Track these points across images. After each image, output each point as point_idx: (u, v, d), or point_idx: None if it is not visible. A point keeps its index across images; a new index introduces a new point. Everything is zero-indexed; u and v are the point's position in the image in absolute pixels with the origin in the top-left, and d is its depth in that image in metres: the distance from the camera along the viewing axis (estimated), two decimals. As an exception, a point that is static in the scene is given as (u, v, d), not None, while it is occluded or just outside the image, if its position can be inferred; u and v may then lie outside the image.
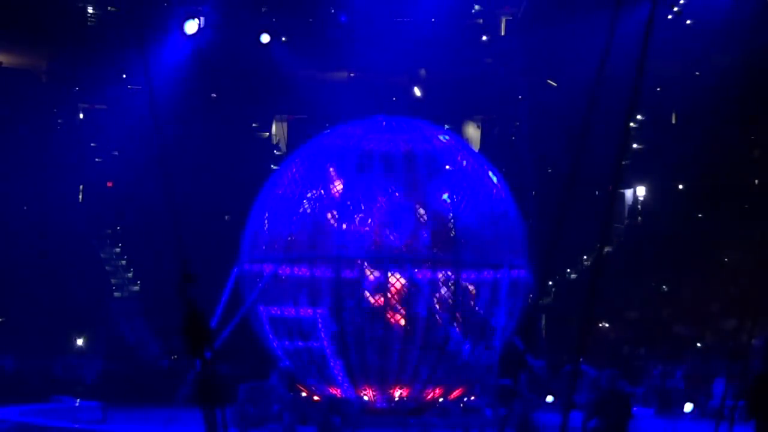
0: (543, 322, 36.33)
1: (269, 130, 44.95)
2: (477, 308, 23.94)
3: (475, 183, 24.17)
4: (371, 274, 23.47)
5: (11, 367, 32.92)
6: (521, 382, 23.74)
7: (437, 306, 23.48)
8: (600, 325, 34.79)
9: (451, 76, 41.89)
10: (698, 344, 35.43)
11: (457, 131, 38.80)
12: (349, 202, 23.77)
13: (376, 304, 23.42)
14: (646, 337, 35.68)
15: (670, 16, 39.61)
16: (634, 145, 40.95)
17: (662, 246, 36.63)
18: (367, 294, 23.43)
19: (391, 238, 23.53)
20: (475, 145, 41.23)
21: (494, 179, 24.73)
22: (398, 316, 23.55)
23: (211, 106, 41.66)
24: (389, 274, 23.35)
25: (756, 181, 38.44)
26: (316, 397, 24.26)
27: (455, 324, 23.60)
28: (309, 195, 24.00)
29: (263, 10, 42.05)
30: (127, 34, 35.58)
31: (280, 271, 23.84)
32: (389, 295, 23.34)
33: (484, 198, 24.12)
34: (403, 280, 23.30)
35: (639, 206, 41.68)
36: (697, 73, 40.10)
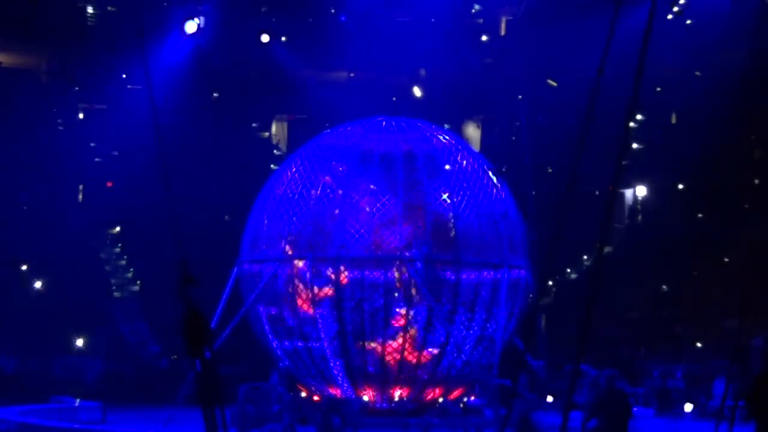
0: (543, 322, 36.33)
1: (269, 130, 44.96)
2: (477, 308, 23.92)
3: (475, 183, 24.17)
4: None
5: (11, 367, 32.93)
6: (521, 382, 23.74)
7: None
8: (600, 325, 34.77)
9: (451, 76, 41.89)
10: (698, 344, 35.45)
11: (457, 131, 38.80)
12: (349, 203, 23.76)
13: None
14: (646, 337, 35.69)
15: (670, 16, 39.66)
16: (634, 145, 40.95)
17: (662, 246, 36.64)
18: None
19: (391, 238, 23.51)
20: (475, 145, 41.23)
21: (494, 179, 24.73)
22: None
23: (211, 105, 41.68)
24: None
25: (756, 181, 38.45)
26: (316, 397, 24.25)
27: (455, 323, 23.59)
28: (309, 195, 23.98)
29: (263, 10, 42.08)
30: (127, 34, 35.59)
31: (280, 271, 23.83)
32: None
33: (484, 198, 24.12)
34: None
35: (639, 206, 41.70)
36: (697, 73, 40.12)
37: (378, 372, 23.49)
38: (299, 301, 23.50)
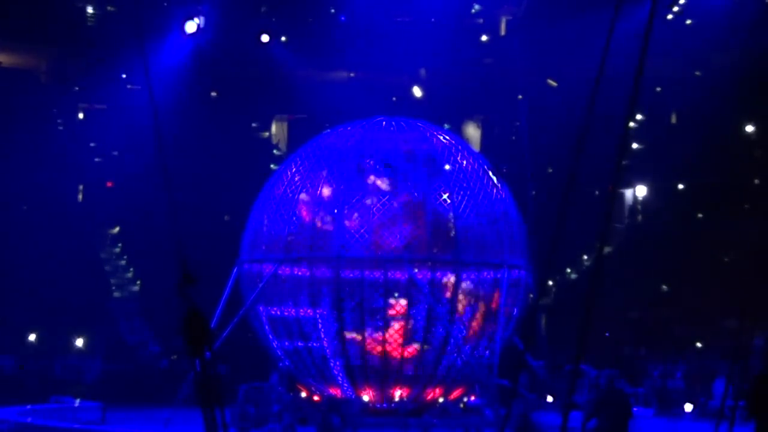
0: (543, 322, 36.33)
1: (269, 130, 44.96)
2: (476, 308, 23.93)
3: (475, 183, 24.16)
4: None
5: (11, 367, 32.92)
6: (521, 382, 23.73)
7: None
8: (600, 325, 34.78)
9: (451, 76, 41.90)
10: (698, 344, 35.44)
11: (457, 131, 38.81)
12: (349, 203, 23.75)
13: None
14: (646, 337, 35.69)
15: (670, 16, 39.67)
16: (634, 145, 40.96)
17: (662, 246, 36.64)
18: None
19: (391, 238, 23.51)
20: (475, 145, 41.24)
21: (494, 179, 24.73)
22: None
23: (211, 105, 41.68)
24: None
25: (756, 181, 38.45)
26: (316, 397, 24.25)
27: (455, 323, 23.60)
28: (309, 195, 23.98)
29: (263, 10, 42.09)
30: (127, 34, 35.59)
31: (280, 271, 23.84)
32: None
33: (484, 198, 24.12)
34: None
35: (639, 206, 41.70)
36: (697, 73, 40.12)
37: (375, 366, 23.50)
38: None
